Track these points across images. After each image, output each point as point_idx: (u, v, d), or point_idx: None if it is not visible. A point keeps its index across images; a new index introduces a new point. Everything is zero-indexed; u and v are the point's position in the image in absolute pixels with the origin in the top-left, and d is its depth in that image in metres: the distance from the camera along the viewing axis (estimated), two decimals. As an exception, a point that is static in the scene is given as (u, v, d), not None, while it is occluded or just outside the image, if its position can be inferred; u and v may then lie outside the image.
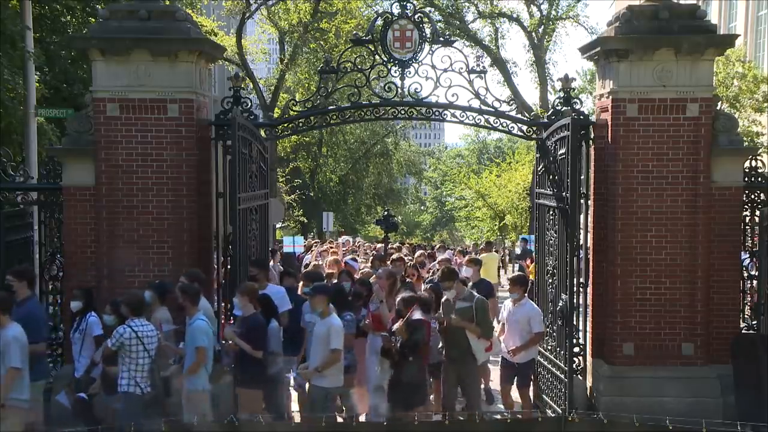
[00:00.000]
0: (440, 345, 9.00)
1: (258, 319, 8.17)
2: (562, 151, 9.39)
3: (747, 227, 9.78)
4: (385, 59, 10.03)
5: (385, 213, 18.42)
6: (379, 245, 20.55)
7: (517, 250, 25.88)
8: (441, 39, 10.20)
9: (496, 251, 31.14)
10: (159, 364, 7.87)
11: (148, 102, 9.22)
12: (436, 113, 10.36)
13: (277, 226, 32.80)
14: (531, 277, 19.22)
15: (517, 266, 28.36)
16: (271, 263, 14.74)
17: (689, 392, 9.05)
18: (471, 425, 7.00)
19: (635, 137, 9.26)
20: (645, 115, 9.25)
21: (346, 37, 28.91)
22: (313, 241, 25.57)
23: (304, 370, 8.25)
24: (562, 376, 9.31)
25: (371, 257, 14.82)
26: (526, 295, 9.53)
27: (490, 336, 9.00)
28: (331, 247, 18.15)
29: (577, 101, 10.17)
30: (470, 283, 10.22)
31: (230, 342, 8.11)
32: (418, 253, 18.08)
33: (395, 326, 8.13)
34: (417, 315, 8.14)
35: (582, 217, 9.75)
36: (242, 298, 8.17)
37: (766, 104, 21.70)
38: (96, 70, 9.34)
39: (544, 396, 10.08)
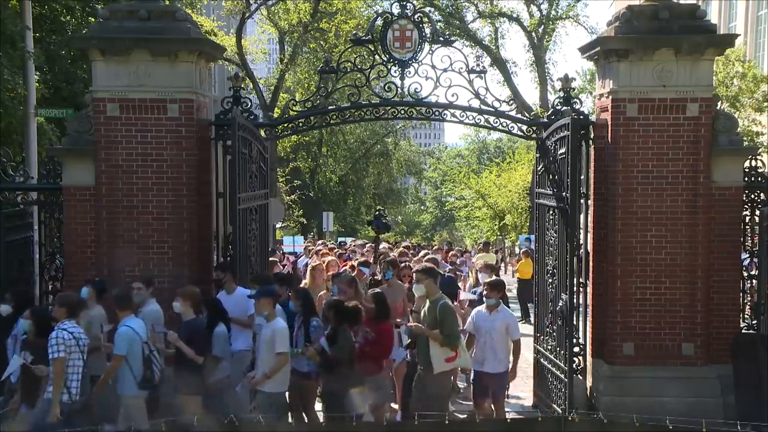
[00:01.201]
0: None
1: (199, 323, 8.02)
2: (562, 151, 9.39)
3: (747, 227, 9.78)
4: (385, 59, 10.03)
5: (377, 213, 18.19)
6: (367, 245, 20.09)
7: (521, 249, 25.93)
8: (441, 39, 10.20)
9: (497, 251, 31.16)
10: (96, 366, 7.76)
11: (148, 102, 9.22)
12: (436, 113, 10.36)
13: (277, 226, 32.80)
14: (519, 275, 19.57)
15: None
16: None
17: (689, 392, 9.05)
18: (471, 425, 7.01)
19: (635, 137, 9.26)
20: (645, 115, 9.25)
21: (346, 37, 28.90)
22: (312, 245, 25.52)
23: (251, 378, 7.89)
24: (562, 376, 9.31)
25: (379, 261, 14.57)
26: (501, 302, 9.08)
27: (453, 345, 8.03)
28: (324, 249, 18.10)
29: (577, 101, 10.17)
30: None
31: (166, 346, 7.94)
32: (422, 253, 17.96)
33: (309, 351, 8.00)
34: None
35: (582, 217, 9.75)
36: (183, 303, 7.99)
37: (766, 104, 21.71)
38: (96, 70, 9.35)
39: (544, 395, 10.09)
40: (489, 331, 8.74)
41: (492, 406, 8.85)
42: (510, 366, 8.94)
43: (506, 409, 9.53)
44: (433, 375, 7.98)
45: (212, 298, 8.54)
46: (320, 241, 26.00)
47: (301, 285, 11.26)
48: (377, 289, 8.91)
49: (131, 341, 7.63)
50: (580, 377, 9.63)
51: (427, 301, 8.23)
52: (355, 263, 12.41)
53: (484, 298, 9.06)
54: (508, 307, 10.21)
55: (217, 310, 8.33)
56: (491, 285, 9.04)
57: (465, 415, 8.79)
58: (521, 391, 11.51)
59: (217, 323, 8.23)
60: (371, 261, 12.61)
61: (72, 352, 7.10)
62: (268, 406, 7.62)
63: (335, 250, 19.46)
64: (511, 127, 10.37)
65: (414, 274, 8.73)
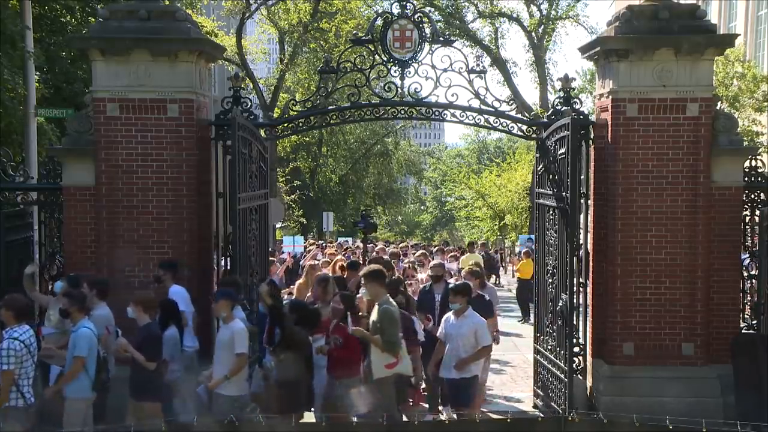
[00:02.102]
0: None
1: (152, 329, 7.95)
2: (562, 151, 9.39)
3: (747, 227, 9.78)
4: (385, 59, 10.03)
5: (363, 212, 18.01)
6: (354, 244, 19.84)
7: (522, 249, 25.93)
8: (441, 39, 10.20)
9: (496, 251, 31.15)
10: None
11: (148, 102, 9.22)
12: (436, 113, 10.36)
13: (277, 226, 32.80)
14: (519, 275, 19.49)
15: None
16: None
17: (689, 392, 9.04)
18: (471, 425, 7.00)
19: (635, 137, 9.26)
20: (645, 115, 9.25)
21: (346, 37, 28.91)
22: (312, 245, 25.53)
23: (209, 380, 7.81)
24: (562, 376, 9.31)
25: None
26: (469, 306, 8.67)
27: (392, 351, 7.84)
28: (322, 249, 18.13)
29: (577, 101, 10.17)
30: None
31: (120, 349, 7.87)
32: (419, 252, 18.00)
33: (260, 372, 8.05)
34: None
35: (582, 217, 9.75)
36: (136, 308, 7.92)
37: (766, 104, 21.70)
38: (96, 70, 9.34)
39: (544, 395, 10.09)
40: (456, 338, 8.48)
41: (455, 415, 8.60)
42: (477, 370, 8.55)
43: (505, 411, 9.54)
44: (374, 381, 7.88)
45: (168, 299, 8.45)
46: (320, 242, 26.02)
47: (296, 284, 11.33)
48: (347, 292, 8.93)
49: (91, 343, 7.59)
50: (580, 377, 9.63)
51: (376, 305, 8.09)
52: (345, 263, 12.39)
53: (450, 304, 8.78)
54: (487, 309, 9.87)
55: (169, 312, 8.26)
56: (455, 290, 8.71)
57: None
58: (521, 391, 11.53)
59: (169, 325, 8.18)
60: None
61: (24, 360, 7.03)
62: (230, 408, 7.48)
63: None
64: (511, 127, 10.37)
65: (362, 277, 8.51)
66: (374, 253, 16.47)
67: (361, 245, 21.15)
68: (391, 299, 8.22)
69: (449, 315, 8.80)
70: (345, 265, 12.17)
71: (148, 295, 8.26)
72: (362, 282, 8.46)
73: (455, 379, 8.44)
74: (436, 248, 22.38)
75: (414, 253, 17.52)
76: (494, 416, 9.43)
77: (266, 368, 8.25)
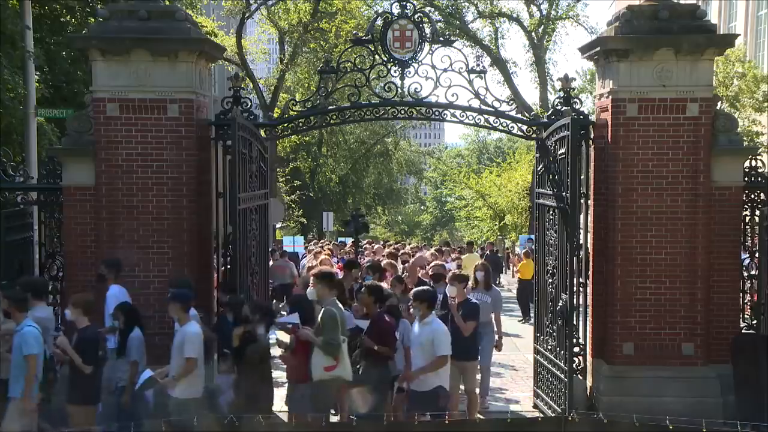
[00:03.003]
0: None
1: (92, 332, 7.89)
2: (562, 151, 9.39)
3: (747, 227, 9.78)
4: (385, 59, 10.03)
5: (353, 213, 17.65)
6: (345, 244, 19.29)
7: (521, 249, 25.93)
8: (441, 39, 10.20)
9: (496, 251, 31.16)
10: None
11: (148, 102, 9.22)
12: (436, 113, 10.36)
13: (277, 226, 32.80)
14: (520, 275, 19.42)
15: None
16: (271, 262, 14.74)
17: (689, 392, 9.04)
18: (471, 425, 7.00)
19: (635, 137, 9.26)
20: (645, 115, 9.25)
21: (346, 37, 28.89)
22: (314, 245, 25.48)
23: (162, 378, 7.76)
24: (562, 376, 9.31)
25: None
26: (432, 312, 8.20)
27: (329, 352, 7.76)
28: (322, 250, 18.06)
29: (577, 101, 10.17)
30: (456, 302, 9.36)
31: (59, 351, 7.80)
32: (429, 252, 17.77)
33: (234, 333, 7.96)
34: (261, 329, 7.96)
35: (582, 217, 9.75)
36: (74, 310, 7.85)
37: (766, 104, 21.67)
38: (96, 70, 9.34)
39: (544, 395, 10.09)
40: (415, 345, 8.12)
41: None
42: (438, 382, 7.94)
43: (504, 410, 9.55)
44: (313, 383, 7.87)
45: (126, 303, 8.42)
46: (313, 247, 25.97)
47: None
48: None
49: (38, 341, 7.52)
50: (580, 377, 9.63)
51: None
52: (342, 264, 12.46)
53: (411, 308, 8.52)
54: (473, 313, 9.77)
55: (131, 315, 8.23)
56: (415, 295, 8.29)
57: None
58: (521, 391, 11.53)
59: (132, 328, 8.14)
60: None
61: None
62: (182, 412, 7.41)
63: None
64: (511, 127, 10.37)
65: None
66: (371, 255, 16.32)
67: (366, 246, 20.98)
68: (337, 302, 8.15)
69: (415, 322, 8.37)
70: (342, 263, 12.33)
71: (86, 297, 8.15)
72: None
73: (415, 391, 8.00)
74: (435, 249, 22.00)
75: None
76: (494, 416, 9.44)
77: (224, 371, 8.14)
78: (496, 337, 10.52)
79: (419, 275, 11.64)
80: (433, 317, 8.13)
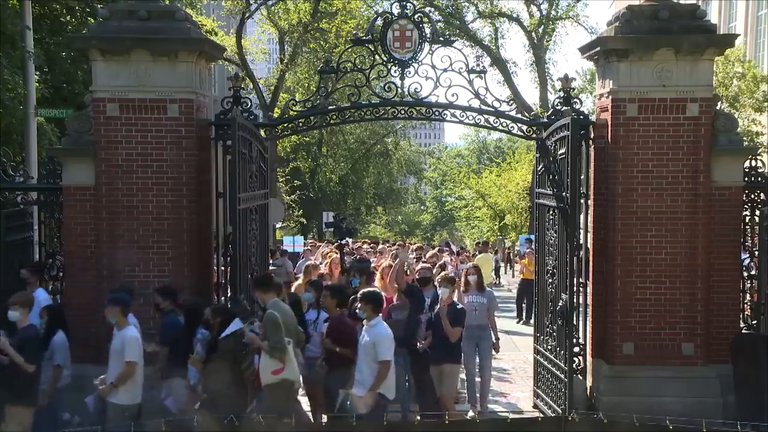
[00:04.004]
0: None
1: (32, 331, 7.84)
2: (562, 151, 9.39)
3: (747, 227, 9.78)
4: (385, 59, 10.03)
5: (336, 216, 16.98)
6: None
7: (522, 249, 25.94)
8: (441, 39, 10.20)
9: (496, 251, 31.17)
10: None
11: (148, 102, 9.22)
12: (436, 113, 10.36)
13: (277, 226, 32.79)
14: (523, 276, 19.27)
15: (518, 267, 28.45)
16: (270, 262, 14.72)
17: (689, 392, 9.04)
18: (471, 425, 7.00)
19: (635, 137, 9.26)
20: (645, 115, 9.25)
21: (346, 37, 28.91)
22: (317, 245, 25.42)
23: (102, 386, 7.66)
24: (562, 376, 9.31)
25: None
26: (379, 315, 7.88)
27: (275, 356, 7.65)
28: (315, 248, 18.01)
29: (577, 101, 10.17)
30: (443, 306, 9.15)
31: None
32: (430, 253, 17.40)
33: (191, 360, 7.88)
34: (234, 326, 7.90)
35: (582, 217, 9.75)
36: (23, 309, 7.79)
37: (766, 104, 21.67)
38: (96, 70, 9.34)
39: (544, 395, 10.09)
40: (360, 349, 7.86)
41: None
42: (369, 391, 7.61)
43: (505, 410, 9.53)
44: (264, 387, 7.82)
45: (53, 305, 8.36)
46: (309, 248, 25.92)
47: (295, 285, 11.25)
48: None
49: None
50: (580, 377, 9.63)
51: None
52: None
53: (357, 311, 8.11)
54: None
55: (56, 317, 8.17)
56: (360, 297, 7.99)
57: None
58: (521, 391, 11.54)
59: (56, 331, 8.08)
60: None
61: None
62: (121, 418, 7.37)
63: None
64: (511, 127, 10.37)
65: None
66: (377, 257, 15.79)
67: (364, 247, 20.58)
68: (280, 303, 8.06)
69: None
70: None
71: (27, 296, 8.08)
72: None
73: (357, 396, 7.71)
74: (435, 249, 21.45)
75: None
76: (490, 414, 9.46)
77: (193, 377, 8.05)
78: (493, 339, 10.33)
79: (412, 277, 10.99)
80: (378, 320, 7.79)
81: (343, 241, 13.26)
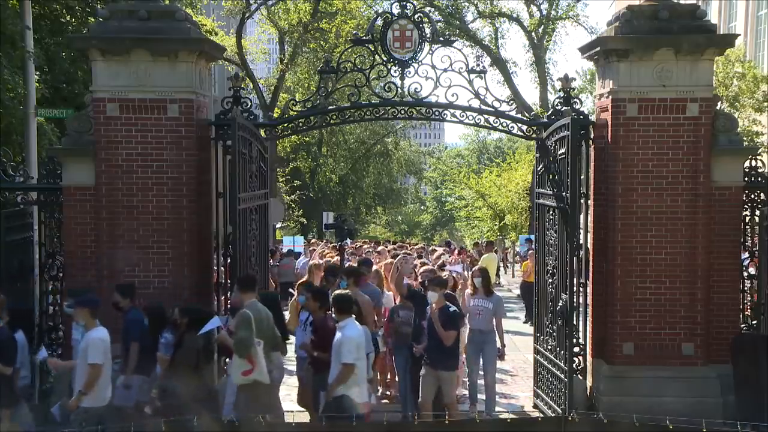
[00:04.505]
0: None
1: (4, 332, 7.80)
2: (562, 151, 9.39)
3: (747, 227, 9.78)
4: (385, 59, 10.03)
5: (337, 218, 16.70)
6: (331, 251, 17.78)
7: (522, 249, 25.93)
8: (441, 39, 10.20)
9: (495, 251, 31.17)
10: None
11: (148, 102, 9.22)
12: (436, 113, 10.36)
13: (277, 226, 32.80)
14: (526, 278, 19.20)
15: (519, 266, 28.45)
16: (270, 262, 14.74)
17: (689, 392, 9.04)
18: (471, 425, 7.00)
19: (635, 137, 9.26)
20: (645, 115, 9.25)
21: (346, 37, 28.92)
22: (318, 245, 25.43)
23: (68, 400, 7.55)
24: (562, 376, 9.31)
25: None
26: (351, 317, 7.85)
27: (239, 354, 7.67)
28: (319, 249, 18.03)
29: (577, 101, 10.16)
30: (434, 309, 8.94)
31: None
32: (435, 254, 17.22)
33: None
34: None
35: (582, 217, 9.75)
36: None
37: (766, 104, 21.67)
38: (96, 70, 9.34)
39: (544, 395, 10.09)
40: (332, 349, 7.81)
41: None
42: (343, 390, 7.62)
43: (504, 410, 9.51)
44: (237, 387, 7.81)
45: (15, 305, 8.30)
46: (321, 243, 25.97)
47: (298, 283, 11.21)
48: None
49: None
50: (580, 377, 9.63)
51: None
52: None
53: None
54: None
55: (16, 318, 8.13)
56: (332, 300, 8.07)
57: None
58: (521, 391, 11.54)
59: (16, 330, 8.04)
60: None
61: None
62: (82, 420, 7.32)
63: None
64: (511, 127, 10.37)
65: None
66: (376, 257, 15.65)
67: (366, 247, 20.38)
68: (258, 304, 7.97)
69: None
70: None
71: (1, 298, 8.05)
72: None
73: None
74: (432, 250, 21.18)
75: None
76: (493, 415, 9.44)
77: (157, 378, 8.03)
78: (499, 344, 10.09)
79: (412, 282, 10.63)
80: (347, 322, 7.76)
81: (344, 243, 13.20)
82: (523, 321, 18.42)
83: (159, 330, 8.20)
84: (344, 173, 50.63)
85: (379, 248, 18.81)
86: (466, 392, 10.72)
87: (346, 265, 12.01)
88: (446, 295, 9.28)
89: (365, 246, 22.19)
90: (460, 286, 11.16)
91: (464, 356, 10.20)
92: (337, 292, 8.28)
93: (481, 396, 10.00)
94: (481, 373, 9.95)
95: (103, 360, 7.53)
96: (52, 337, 9.55)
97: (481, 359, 9.95)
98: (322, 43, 33.68)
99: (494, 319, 9.96)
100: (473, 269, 10.95)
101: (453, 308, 9.10)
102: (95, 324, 7.66)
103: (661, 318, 9.32)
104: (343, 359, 7.56)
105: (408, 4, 9.96)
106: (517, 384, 12.11)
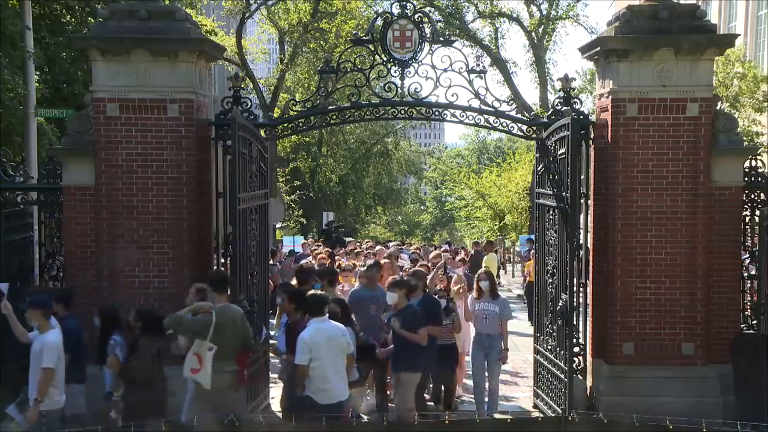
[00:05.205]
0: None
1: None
2: (562, 150, 9.39)
3: (747, 227, 9.78)
4: (385, 59, 10.03)
5: (329, 224, 16.77)
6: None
7: (522, 249, 25.94)
8: (441, 39, 10.20)
9: (496, 251, 31.17)
10: None
11: (148, 102, 9.22)
12: (436, 113, 10.36)
13: (277, 226, 32.79)
14: (530, 278, 19.19)
15: (519, 266, 28.46)
16: (271, 262, 14.74)
17: (689, 392, 9.04)
18: (471, 425, 7.00)
19: (635, 137, 9.26)
20: (645, 115, 9.25)
21: (346, 37, 28.90)
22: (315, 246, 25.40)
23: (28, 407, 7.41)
24: (562, 376, 9.31)
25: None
26: (324, 316, 7.80)
27: (168, 326, 7.63)
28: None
29: (577, 101, 10.15)
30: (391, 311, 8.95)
31: None
32: (433, 254, 17.12)
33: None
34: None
35: (582, 217, 9.75)
36: None
37: (766, 104, 21.66)
38: (96, 70, 9.34)
39: (544, 395, 10.09)
40: None
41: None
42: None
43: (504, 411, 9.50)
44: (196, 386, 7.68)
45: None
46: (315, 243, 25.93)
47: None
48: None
49: None
50: (580, 377, 9.63)
51: None
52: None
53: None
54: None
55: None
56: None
57: None
58: (521, 391, 11.54)
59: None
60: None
61: None
62: (39, 425, 7.26)
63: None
64: (511, 127, 10.37)
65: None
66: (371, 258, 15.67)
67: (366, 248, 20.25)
68: (230, 307, 7.75)
69: None
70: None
71: None
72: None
73: None
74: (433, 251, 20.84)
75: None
76: (494, 416, 9.44)
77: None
78: (502, 348, 9.88)
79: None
80: (317, 320, 7.66)
81: (334, 250, 13.19)
82: (528, 323, 18.39)
83: (111, 332, 8.07)
84: (344, 173, 50.62)
85: (377, 248, 18.81)
86: (464, 395, 10.72)
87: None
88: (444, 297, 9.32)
89: (364, 246, 22.12)
90: (458, 288, 10.98)
91: (468, 358, 10.18)
92: (311, 292, 8.27)
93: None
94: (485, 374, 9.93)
95: (56, 363, 7.40)
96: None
97: (486, 365, 9.86)
98: (322, 43, 33.66)
99: (500, 323, 9.84)
100: (479, 272, 10.70)
101: (416, 306, 8.94)
102: (49, 326, 7.52)
103: (661, 318, 9.32)
104: (296, 360, 7.56)
105: (408, 4, 9.96)
106: (517, 384, 12.11)
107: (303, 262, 12.93)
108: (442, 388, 10.19)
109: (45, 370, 7.31)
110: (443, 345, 9.61)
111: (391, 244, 22.30)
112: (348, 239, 28.71)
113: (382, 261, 11.91)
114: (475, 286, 10.20)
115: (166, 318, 7.62)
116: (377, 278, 10.26)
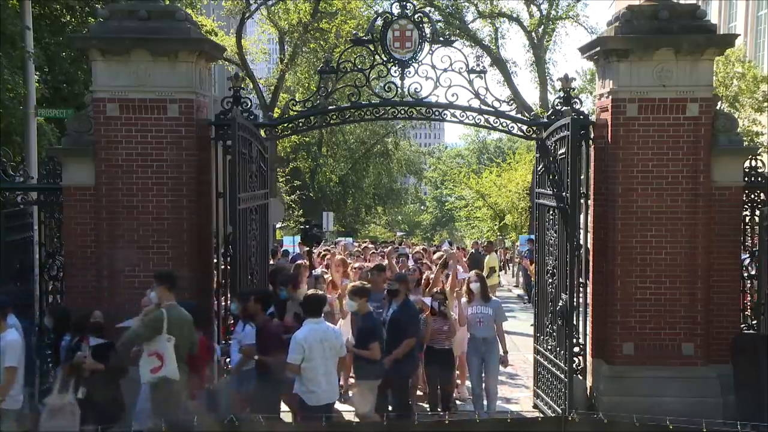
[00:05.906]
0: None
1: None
2: (562, 150, 9.39)
3: (747, 227, 9.78)
4: (385, 59, 10.03)
5: (307, 223, 17.20)
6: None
7: (522, 249, 25.94)
8: (441, 39, 10.21)
9: (496, 251, 31.17)
10: None
11: (148, 102, 9.22)
12: (436, 113, 10.36)
13: (277, 226, 32.79)
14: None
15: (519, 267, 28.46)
16: (271, 262, 14.72)
17: (689, 392, 9.04)
18: (471, 425, 7.00)
19: (635, 137, 9.26)
20: (645, 115, 9.25)
21: (346, 37, 28.89)
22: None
23: None
24: (562, 376, 9.31)
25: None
26: (319, 317, 7.75)
27: (124, 345, 7.57)
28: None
29: (577, 101, 10.15)
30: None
31: None
32: (437, 255, 17.00)
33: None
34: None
35: (582, 217, 9.75)
36: None
37: (766, 104, 21.65)
38: (96, 70, 9.34)
39: (544, 395, 10.08)
40: None
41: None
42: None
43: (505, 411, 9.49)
44: (149, 386, 7.61)
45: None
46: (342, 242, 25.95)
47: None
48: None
49: None
50: (580, 377, 9.63)
51: None
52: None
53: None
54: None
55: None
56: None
57: None
58: (521, 391, 11.53)
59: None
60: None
61: None
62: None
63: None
64: (511, 127, 10.37)
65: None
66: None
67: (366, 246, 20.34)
68: (178, 308, 7.64)
69: None
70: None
71: None
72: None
73: None
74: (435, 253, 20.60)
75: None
76: (494, 416, 9.43)
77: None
78: (501, 351, 9.74)
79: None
80: (9, 326, 7.50)
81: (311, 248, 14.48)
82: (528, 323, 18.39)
83: (62, 333, 8.05)
84: (344, 173, 50.65)
85: (362, 246, 18.82)
86: (460, 400, 10.69)
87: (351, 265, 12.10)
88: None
89: (364, 245, 22.09)
90: (448, 287, 10.70)
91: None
92: (310, 292, 8.27)
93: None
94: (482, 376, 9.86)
95: (18, 362, 7.37)
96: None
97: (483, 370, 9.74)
98: (322, 43, 33.66)
99: (495, 326, 9.68)
100: (468, 275, 10.46)
101: (374, 315, 8.66)
102: (6, 326, 7.44)
103: (661, 318, 9.32)
104: (288, 359, 7.53)
105: (408, 4, 9.97)
106: (517, 384, 12.10)
107: (298, 262, 12.92)
108: (438, 391, 10.04)
109: (8, 370, 7.27)
110: (439, 349, 9.53)
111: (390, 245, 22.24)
112: (348, 239, 28.79)
113: (366, 263, 11.88)
114: (465, 288, 10.00)
115: (117, 343, 7.54)
116: (381, 281, 10.13)
